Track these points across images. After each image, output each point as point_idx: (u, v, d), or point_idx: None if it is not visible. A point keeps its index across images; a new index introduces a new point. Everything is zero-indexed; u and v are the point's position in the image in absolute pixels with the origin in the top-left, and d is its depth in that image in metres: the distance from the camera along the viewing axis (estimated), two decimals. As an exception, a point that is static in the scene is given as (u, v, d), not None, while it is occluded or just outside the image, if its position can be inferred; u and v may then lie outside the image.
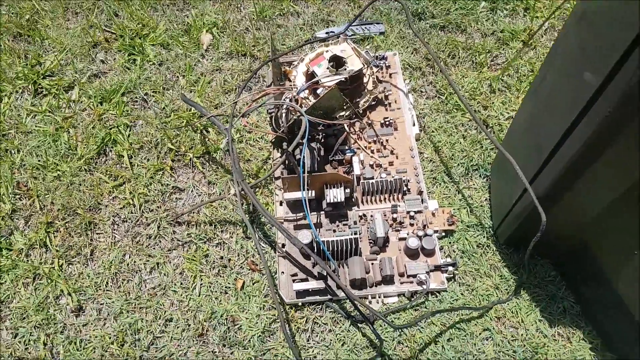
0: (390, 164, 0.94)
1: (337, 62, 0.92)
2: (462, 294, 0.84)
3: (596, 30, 0.55)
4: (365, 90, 0.97)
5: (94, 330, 0.82)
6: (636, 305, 0.70)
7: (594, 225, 0.71)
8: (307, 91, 0.90)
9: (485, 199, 0.92)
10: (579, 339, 0.79)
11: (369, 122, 0.97)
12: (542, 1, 1.12)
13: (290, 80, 0.95)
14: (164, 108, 1.01)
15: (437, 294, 0.84)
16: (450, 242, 0.88)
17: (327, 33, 1.06)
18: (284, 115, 0.83)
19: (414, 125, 0.98)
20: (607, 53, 0.51)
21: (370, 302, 0.83)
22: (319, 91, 0.88)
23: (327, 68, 0.90)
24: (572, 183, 0.65)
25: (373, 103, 0.99)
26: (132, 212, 0.91)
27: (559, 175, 0.65)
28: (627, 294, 0.71)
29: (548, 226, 0.69)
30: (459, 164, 0.95)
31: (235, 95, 0.95)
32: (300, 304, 0.83)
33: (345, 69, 0.90)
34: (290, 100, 0.83)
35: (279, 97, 0.86)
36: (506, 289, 0.84)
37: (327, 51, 0.93)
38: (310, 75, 0.92)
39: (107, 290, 0.85)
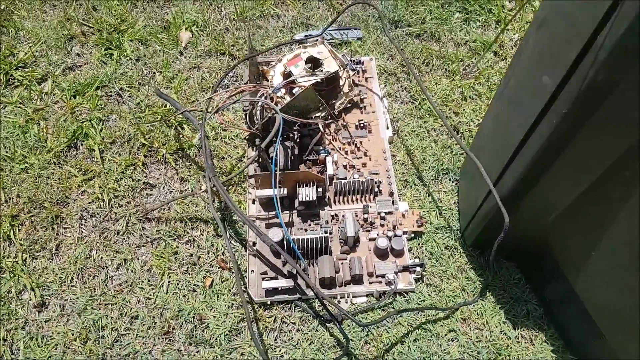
0: (364, 165, 0.94)
1: (314, 63, 0.91)
2: (429, 295, 0.83)
3: (553, 37, 0.57)
4: (341, 92, 0.96)
5: (56, 326, 0.79)
6: (593, 306, 0.70)
7: (555, 226, 0.72)
8: (283, 90, 0.89)
9: (454, 202, 0.92)
10: (542, 341, 0.80)
11: (344, 123, 0.97)
12: (512, 14, 1.14)
13: (267, 80, 0.94)
14: (138, 103, 0.99)
15: (405, 295, 0.83)
16: (419, 244, 0.88)
17: (305, 36, 1.06)
18: (258, 112, 0.82)
19: (387, 128, 0.98)
20: (562, 58, 0.52)
21: (339, 302, 0.82)
22: (295, 90, 0.88)
23: (304, 68, 0.89)
24: (533, 183, 0.66)
25: (348, 105, 0.99)
26: (100, 207, 0.89)
27: (520, 175, 0.66)
28: (585, 295, 0.72)
29: (512, 228, 0.69)
30: (429, 168, 0.95)
31: (211, 91, 0.93)
32: (269, 302, 0.81)
33: (321, 70, 0.90)
34: (266, 98, 0.82)
35: (255, 94, 0.85)
36: (472, 291, 0.84)
37: (304, 52, 0.93)
38: (287, 75, 0.91)
39: (71, 286, 0.82)
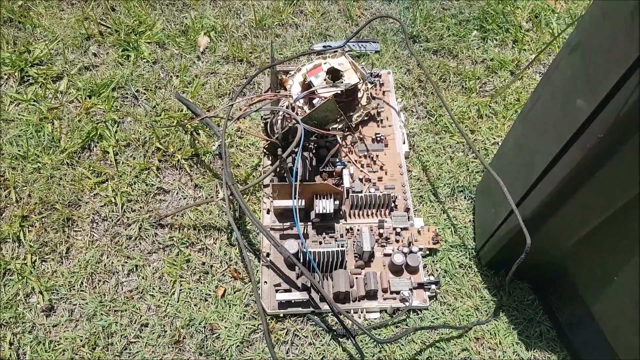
0: (380, 179, 0.92)
1: (334, 75, 0.89)
2: (442, 313, 0.81)
3: (589, 60, 0.55)
4: (359, 105, 0.94)
5: (64, 331, 0.76)
6: (612, 332, 0.68)
7: (576, 249, 0.70)
8: (302, 101, 0.87)
9: (470, 221, 0.90)
10: (554, 364, 0.78)
11: (361, 136, 0.95)
12: (529, 35, 1.13)
13: (286, 89, 0.92)
14: (154, 106, 0.96)
15: (419, 312, 0.81)
16: (433, 261, 0.86)
17: (324, 47, 1.04)
18: (279, 122, 0.79)
19: (404, 143, 0.96)
20: (600, 82, 0.51)
21: (352, 317, 0.79)
22: (315, 101, 0.85)
23: (324, 79, 0.87)
24: (558, 207, 0.64)
25: (366, 118, 0.97)
26: (113, 211, 0.85)
27: (546, 198, 0.64)
28: (604, 321, 0.70)
29: (530, 250, 0.68)
30: (445, 185, 0.93)
31: (232, 98, 0.91)
32: (281, 315, 0.78)
33: (342, 82, 0.88)
34: (287, 108, 0.80)
35: (276, 103, 0.83)
36: (486, 310, 0.81)
37: (325, 63, 0.90)
38: (306, 86, 0.89)
39: (81, 290, 0.79)
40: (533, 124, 0.70)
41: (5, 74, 0.97)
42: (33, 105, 0.94)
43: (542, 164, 0.64)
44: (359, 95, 0.94)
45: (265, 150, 0.88)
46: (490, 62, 1.08)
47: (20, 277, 0.78)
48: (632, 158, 0.54)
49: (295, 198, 0.78)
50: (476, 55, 1.09)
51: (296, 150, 0.77)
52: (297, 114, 0.82)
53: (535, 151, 0.67)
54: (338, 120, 0.90)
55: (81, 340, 0.75)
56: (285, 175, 0.81)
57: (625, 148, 0.53)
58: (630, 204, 0.58)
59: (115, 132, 0.92)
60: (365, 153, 0.94)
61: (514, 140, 0.77)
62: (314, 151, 0.87)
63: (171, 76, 1.00)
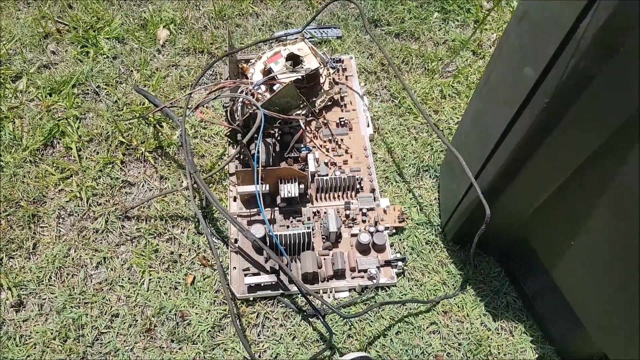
0: (345, 162, 1.00)
1: (294, 60, 0.97)
2: (410, 289, 0.89)
3: (534, 29, 0.62)
4: (322, 90, 1.02)
5: (34, 325, 0.82)
6: (573, 297, 0.77)
7: (535, 218, 0.78)
8: (263, 87, 0.95)
9: (435, 198, 0.98)
10: (521, 332, 0.86)
11: (325, 121, 1.03)
12: (491, 15, 1.22)
13: (247, 78, 1.00)
14: (116, 101, 1.03)
15: (387, 289, 0.89)
16: (400, 239, 0.94)
17: (285, 34, 1.12)
18: (239, 109, 0.87)
19: (368, 126, 1.04)
20: (543, 49, 0.58)
21: (321, 297, 0.87)
22: (275, 87, 0.93)
23: (284, 65, 0.95)
24: (514, 175, 0.72)
25: (329, 103, 1.05)
26: (78, 206, 0.92)
27: (502, 167, 0.72)
28: (565, 285, 0.78)
29: (492, 221, 0.75)
30: (410, 165, 1.01)
31: (190, 86, 0.98)
32: (251, 299, 0.86)
33: (302, 67, 0.96)
34: (246, 94, 0.87)
35: (235, 90, 0.90)
36: (453, 285, 0.90)
37: (284, 49, 0.98)
38: (267, 73, 0.97)
39: (50, 285, 0.85)
40: (487, 97, 0.78)
41: (-38, 76, 1.03)
42: (-8, 105, 1.00)
43: (496, 135, 0.71)
44: (321, 80, 1.02)
45: (227, 138, 0.96)
46: (452, 43, 1.17)
47: (-13, 275, 0.84)
48: (577, 123, 0.60)
49: (258, 183, 0.85)
50: (438, 37, 1.18)
51: (257, 136, 0.84)
52: (257, 100, 0.89)
53: (490, 123, 0.75)
54: (301, 106, 0.98)
55: (52, 334, 0.81)
56: (248, 160, 0.88)
57: (570, 113, 0.59)
58: (580, 169, 0.65)
59: (78, 128, 0.99)
60: (330, 137, 1.02)
61: (471, 115, 0.85)
62: (278, 138, 0.95)
63: (132, 70, 1.07)
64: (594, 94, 0.56)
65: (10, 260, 0.87)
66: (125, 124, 1.00)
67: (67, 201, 0.92)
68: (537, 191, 0.74)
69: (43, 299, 0.84)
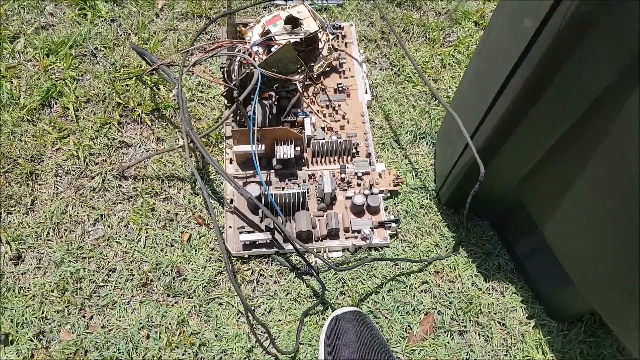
0: (342, 127, 1.04)
1: (292, 23, 1.01)
2: (403, 250, 0.94)
3: None
4: (320, 55, 1.07)
5: (33, 278, 0.87)
6: (564, 254, 0.82)
7: (529, 178, 0.82)
8: (261, 50, 0.99)
9: (431, 165, 1.03)
10: (512, 293, 0.91)
11: (323, 87, 1.08)
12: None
13: (245, 41, 1.04)
14: (113, 63, 1.07)
15: (380, 249, 0.94)
16: (394, 203, 0.99)
17: None
18: (236, 68, 0.92)
19: (366, 93, 1.09)
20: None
21: (315, 253, 0.92)
22: (273, 49, 0.98)
23: (283, 27, 1.00)
24: (509, 132, 0.75)
25: (327, 69, 1.09)
26: (76, 164, 0.97)
27: (497, 125, 0.75)
28: (556, 243, 0.83)
29: (486, 182, 0.79)
30: (407, 132, 1.06)
31: (188, 45, 1.03)
32: (246, 256, 0.91)
33: (301, 30, 1.00)
34: (244, 54, 0.92)
35: (232, 49, 0.95)
36: (445, 247, 0.95)
37: (283, 12, 1.03)
38: (265, 35, 1.01)
39: (48, 240, 0.91)
40: (485, 57, 0.81)
41: (-41, 36, 1.08)
42: (-10, 65, 1.05)
43: (493, 91, 0.73)
44: (320, 45, 1.07)
45: (224, 98, 1.00)
46: (453, 13, 1.21)
47: (-14, 229, 0.90)
48: (575, 74, 0.63)
49: (254, 143, 0.90)
50: (440, 7, 1.22)
51: (253, 96, 0.89)
52: (255, 60, 0.94)
53: (487, 82, 0.78)
54: (299, 70, 1.02)
55: (50, 286, 0.86)
56: (244, 121, 0.93)
57: (568, 64, 0.62)
58: (577, 123, 0.69)
59: (75, 88, 1.04)
60: (327, 103, 1.07)
61: (469, 77, 0.89)
62: (275, 102, 0.99)
63: (129, 33, 1.11)
64: (593, 42, 0.59)
65: (9, 215, 0.92)
66: (123, 86, 1.05)
67: (64, 160, 0.97)
68: (533, 148, 0.78)
69: (41, 253, 0.89)
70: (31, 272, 0.88)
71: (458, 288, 0.91)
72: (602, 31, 0.58)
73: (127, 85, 1.05)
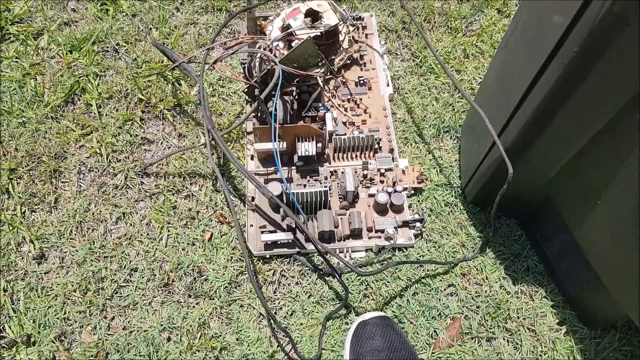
0: (363, 122, 0.91)
1: (313, 16, 0.87)
2: (428, 251, 0.81)
3: None
4: (341, 48, 0.93)
5: (56, 277, 0.77)
6: (596, 257, 0.68)
7: (559, 177, 0.69)
8: (282, 44, 0.86)
9: (455, 160, 0.89)
10: (542, 297, 0.78)
11: (343, 80, 0.93)
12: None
13: (265, 35, 0.90)
14: (135, 59, 0.95)
15: (404, 250, 0.81)
16: (418, 200, 0.85)
17: (305, -9, 1.01)
18: (257, 65, 0.78)
19: (387, 85, 0.94)
20: None
21: (338, 254, 0.80)
22: (293, 43, 0.84)
23: (303, 21, 0.85)
24: (539, 131, 0.63)
25: (348, 62, 0.95)
26: (98, 162, 0.86)
27: (526, 123, 0.63)
28: (588, 246, 0.69)
29: (514, 181, 0.67)
30: (430, 126, 0.92)
31: (209, 41, 0.89)
32: (268, 256, 0.79)
33: (321, 23, 0.86)
34: (264, 50, 0.78)
35: (253, 46, 0.82)
36: (472, 247, 0.82)
37: (303, 5, 0.88)
38: (286, 29, 0.87)
39: (70, 238, 0.80)
40: (512, 51, 0.68)
41: (-15, 33, 0.96)
42: (15, 62, 0.93)
43: (522, 89, 0.62)
44: (341, 38, 0.92)
45: (245, 95, 0.87)
46: (476, 0, 1.05)
47: (11, 227, 0.80)
48: (608, 73, 0.52)
49: (275, 140, 0.77)
50: (463, -5, 1.06)
51: (274, 93, 0.76)
52: (275, 56, 0.80)
53: (515, 78, 0.66)
54: (319, 64, 0.88)
55: (72, 286, 0.76)
56: (265, 118, 0.80)
57: (601, 61, 0.51)
58: (610, 124, 0.57)
59: (98, 85, 0.92)
60: (349, 97, 0.93)
61: (495, 71, 0.75)
62: (295, 97, 0.86)
63: (150, 28, 0.98)
64: (626, 40, 0.48)
65: (33, 213, 0.82)
66: (144, 82, 0.92)
67: (87, 157, 0.86)
68: (564, 147, 0.65)
69: (64, 252, 0.79)
70: (54, 272, 0.78)
71: (485, 291, 0.78)
72: (636, 30, 0.46)
73: (148, 81, 0.92)
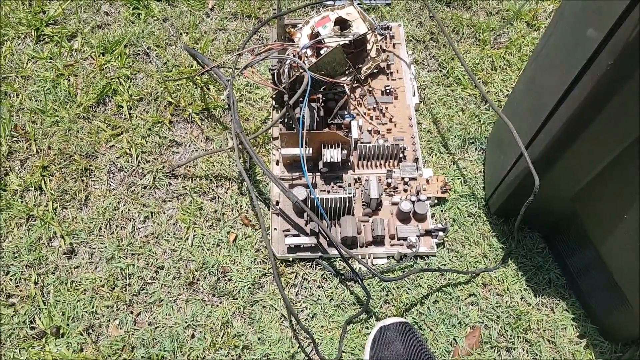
0: (389, 131, 0.98)
1: (342, 25, 0.95)
2: (450, 260, 0.88)
3: None
4: (369, 57, 1.00)
5: (85, 272, 0.86)
6: (621, 273, 0.73)
7: (586, 191, 0.74)
8: (310, 52, 0.94)
9: (480, 171, 0.96)
10: (563, 310, 0.84)
11: (370, 89, 1.01)
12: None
13: (294, 42, 0.99)
14: (165, 63, 1.04)
15: (426, 258, 0.88)
16: (442, 210, 0.92)
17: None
18: (286, 71, 0.86)
19: (414, 95, 1.02)
20: (610, 8, 0.54)
21: (360, 259, 0.87)
22: (322, 51, 0.92)
23: (332, 29, 0.94)
24: (569, 144, 0.68)
25: (375, 71, 1.03)
26: (128, 162, 0.95)
27: (555, 136, 0.68)
28: (613, 261, 0.75)
29: (540, 194, 0.72)
30: (455, 136, 0.99)
31: (239, 47, 0.98)
32: (291, 259, 0.87)
33: (350, 32, 0.94)
34: (294, 57, 0.87)
35: (283, 53, 0.90)
36: (494, 258, 0.88)
37: (332, 13, 0.97)
38: (315, 36, 0.95)
39: (100, 235, 0.89)
40: (543, 63, 0.74)
41: (22, 34, 1.06)
42: (49, 62, 1.03)
43: (552, 102, 0.67)
44: (368, 47, 1.00)
45: (273, 100, 0.95)
46: (505, 13, 1.12)
47: (42, 223, 0.88)
48: None
49: (302, 146, 0.85)
50: (491, 7, 1.13)
51: (302, 99, 0.84)
52: (304, 63, 0.88)
53: (545, 90, 0.71)
54: (347, 72, 0.96)
55: (101, 281, 0.84)
56: (292, 123, 0.88)
57: (634, 77, 0.55)
58: None
59: (129, 87, 1.01)
60: (375, 106, 1.00)
61: (524, 83, 0.81)
62: (322, 104, 0.94)
63: (181, 33, 1.08)
64: None
65: (64, 210, 0.90)
66: (174, 85, 1.01)
67: (117, 157, 0.95)
68: (592, 161, 0.70)
69: (93, 248, 0.87)
70: (83, 267, 0.86)
71: (506, 302, 0.84)
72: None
73: (178, 85, 1.01)
